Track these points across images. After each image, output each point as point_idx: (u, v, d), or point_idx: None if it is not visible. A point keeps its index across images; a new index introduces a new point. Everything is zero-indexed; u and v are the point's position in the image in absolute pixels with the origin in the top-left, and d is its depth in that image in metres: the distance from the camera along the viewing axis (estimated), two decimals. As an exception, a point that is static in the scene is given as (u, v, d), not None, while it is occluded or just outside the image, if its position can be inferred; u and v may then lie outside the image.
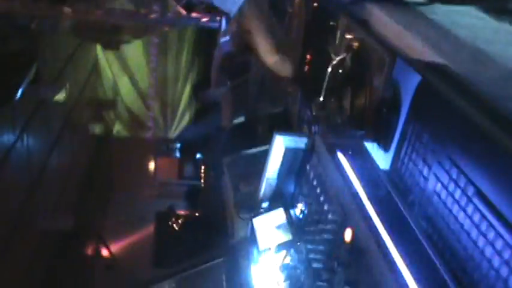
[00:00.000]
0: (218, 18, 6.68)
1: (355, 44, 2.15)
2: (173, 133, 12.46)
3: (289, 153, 1.81)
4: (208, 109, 7.86)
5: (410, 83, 1.57)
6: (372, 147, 1.76)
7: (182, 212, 11.45)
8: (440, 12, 2.46)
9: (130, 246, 11.24)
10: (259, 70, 3.69)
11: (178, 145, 12.18)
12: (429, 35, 1.98)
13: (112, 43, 9.36)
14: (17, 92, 6.58)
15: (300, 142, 1.79)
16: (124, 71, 11.95)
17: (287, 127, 3.50)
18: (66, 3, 6.68)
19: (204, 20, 7.34)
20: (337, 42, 2.39)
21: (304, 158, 1.81)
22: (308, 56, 2.81)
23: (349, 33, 2.20)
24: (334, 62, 2.28)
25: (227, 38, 3.94)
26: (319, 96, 2.44)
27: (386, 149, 1.65)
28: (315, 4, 2.74)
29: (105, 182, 11.70)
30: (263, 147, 3.53)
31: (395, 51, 1.83)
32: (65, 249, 8.70)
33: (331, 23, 2.52)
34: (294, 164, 1.84)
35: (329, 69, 2.34)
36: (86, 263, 9.79)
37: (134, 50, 11.46)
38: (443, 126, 1.34)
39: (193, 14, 7.26)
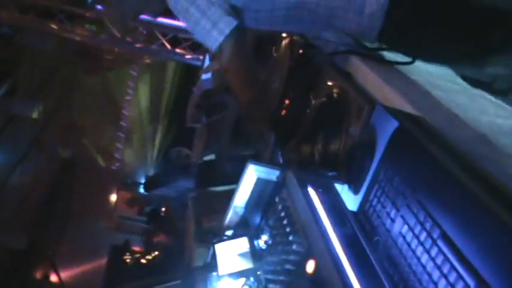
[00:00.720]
0: (201, 57, 6.76)
1: (335, 91, 2.19)
2: (139, 168, 12.42)
3: (260, 183, 1.81)
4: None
5: (385, 129, 1.60)
6: (341, 188, 1.78)
7: (137, 249, 11.30)
8: (420, 73, 2.52)
9: (81, 275, 11.02)
10: (235, 110, 3.71)
11: (142, 180, 12.10)
12: (408, 92, 2.03)
13: (92, 68, 9.42)
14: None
15: (272, 174, 1.80)
16: (100, 99, 11.95)
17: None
18: (54, 19, 6.73)
19: (188, 56, 7.44)
20: (317, 88, 2.43)
21: (275, 189, 1.81)
22: (287, 101, 2.85)
23: (331, 81, 2.24)
24: (313, 106, 2.31)
25: (208, 75, 3.97)
26: (292, 140, 2.47)
27: (356, 191, 1.66)
28: (300, 51, 2.79)
29: (64, 207, 11.54)
30: (229, 187, 3.53)
31: (375, 101, 1.87)
32: (13, 269, 8.49)
33: (314, 70, 2.56)
34: (263, 194, 1.84)
35: (307, 113, 2.37)
36: (33, 286, 9.57)
37: (112, 80, 11.50)
38: (415, 171, 1.37)
39: (178, 50, 7.35)
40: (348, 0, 2.31)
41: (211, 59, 4.23)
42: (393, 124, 1.59)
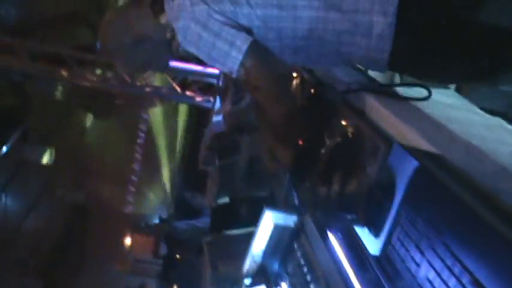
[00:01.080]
0: (211, 99, 6.75)
1: (350, 130, 2.15)
2: (152, 211, 12.38)
3: (278, 230, 1.76)
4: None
5: (404, 169, 1.56)
6: (362, 231, 1.72)
7: (154, 292, 11.20)
8: (436, 106, 2.48)
9: (95, 321, 10.93)
10: (248, 151, 3.68)
11: (156, 222, 12.04)
12: (424, 128, 1.99)
13: (103, 112, 9.45)
14: (1, 149, 6.55)
15: (290, 219, 1.75)
16: (111, 143, 11.97)
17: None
18: (64, 66, 6.76)
19: (198, 99, 7.44)
20: (331, 127, 2.39)
21: (293, 235, 1.75)
22: (300, 141, 2.81)
23: (345, 120, 2.20)
24: (327, 147, 2.28)
25: (219, 117, 3.95)
26: (308, 181, 2.42)
27: (377, 234, 1.61)
28: (312, 90, 2.76)
29: (78, 251, 11.48)
30: (245, 230, 3.47)
31: (391, 139, 1.83)
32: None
33: (327, 109, 2.52)
34: (281, 241, 1.78)
35: (322, 153, 2.33)
36: (48, 332, 9.48)
37: (123, 123, 11.53)
38: (438, 212, 1.32)
39: (188, 92, 7.35)
40: (355, 23, 2.28)
41: (221, 101, 4.20)
42: (412, 164, 1.54)
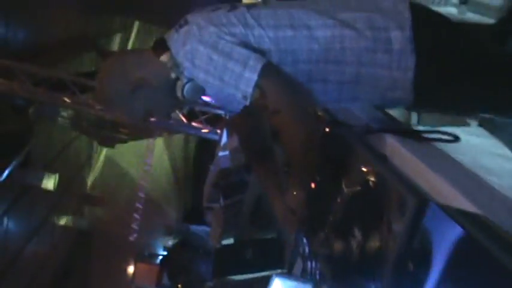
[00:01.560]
0: (219, 130, 6.49)
1: (372, 179, 1.87)
2: (157, 240, 12.11)
3: (289, 301, 1.47)
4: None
5: (443, 235, 1.28)
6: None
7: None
8: (466, 151, 2.20)
9: None
10: (255, 190, 3.40)
11: (160, 252, 11.78)
12: (459, 181, 1.71)
13: (108, 140, 9.23)
14: (2, 173, 6.32)
15: (303, 289, 1.46)
16: (116, 170, 11.76)
17: (279, 257, 3.17)
18: (66, 92, 6.53)
19: (204, 131, 7.16)
20: (349, 173, 2.11)
21: (307, 309, 1.47)
22: (313, 184, 2.53)
23: (365, 166, 1.93)
24: (345, 195, 2.00)
25: (226, 152, 3.68)
26: (322, 231, 2.14)
27: (408, 313, 1.33)
28: (327, 129, 2.49)
29: (81, 278, 11.23)
30: (251, 275, 3.19)
31: (423, 194, 1.55)
32: None
33: (344, 151, 2.25)
34: (293, 314, 1.49)
35: (338, 201, 2.05)
36: None
37: (129, 151, 11.32)
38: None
39: (194, 124, 7.08)
40: (373, 39, 2.13)
41: (228, 136, 3.93)
42: (454, 229, 1.26)
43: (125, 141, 9.12)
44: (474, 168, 1.99)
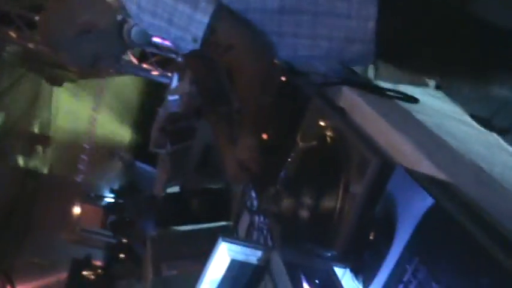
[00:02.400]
0: (170, 74, 6.23)
1: (329, 134, 1.70)
2: (104, 181, 11.83)
3: (236, 265, 1.30)
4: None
5: (410, 202, 1.13)
6: (345, 277, 1.29)
7: (99, 263, 10.72)
8: (426, 112, 2.06)
9: (39, 291, 10.39)
10: (205, 138, 3.22)
11: (107, 194, 11.52)
12: (421, 141, 1.56)
13: (55, 79, 8.85)
14: None
15: (252, 255, 1.29)
16: (64, 110, 11.35)
17: (225, 210, 3.02)
18: (11, 26, 6.16)
19: (155, 73, 6.87)
20: (305, 126, 1.94)
21: (255, 275, 1.30)
22: (264, 135, 2.36)
23: (322, 120, 1.76)
24: (299, 150, 1.83)
25: (176, 97, 3.47)
26: (272, 186, 1.97)
27: (367, 284, 1.18)
28: (283, 78, 2.31)
29: (25, 219, 10.91)
30: (196, 226, 3.03)
31: (388, 156, 1.39)
32: (-34, 282, 7.94)
33: (300, 103, 2.07)
34: (239, 281, 1.33)
35: (291, 156, 1.89)
36: (-14, 301, 8.97)
37: (77, 91, 10.92)
38: (456, 263, 0.91)
39: (145, 65, 6.80)
40: None
41: (179, 79, 3.72)
42: (422, 196, 1.11)
43: (73, 81, 8.78)
44: (433, 128, 1.84)
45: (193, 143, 3.26)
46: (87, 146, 11.79)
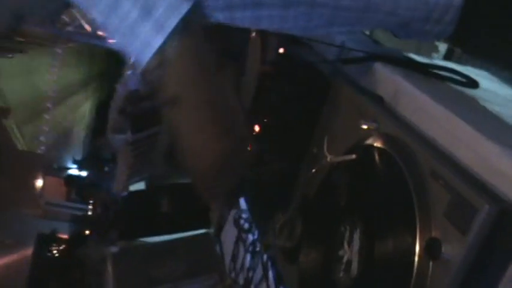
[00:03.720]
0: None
1: (379, 146, 1.04)
2: (66, 152, 11.07)
3: None
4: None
5: None
6: None
7: (66, 237, 10.09)
8: (491, 99, 1.40)
9: (4, 269, 9.71)
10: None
11: (70, 165, 10.80)
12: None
13: (5, 50, 8.02)
14: None
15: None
16: (21, 77, 10.49)
17: (203, 209, 2.36)
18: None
19: (112, 41, 6.06)
20: (330, 128, 1.27)
21: None
22: (256, 127, 1.69)
23: (363, 120, 1.09)
24: (329, 164, 1.16)
25: (136, 72, 2.76)
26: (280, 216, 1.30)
27: None
28: (280, 50, 1.63)
29: (-15, 193, 10.20)
30: (169, 237, 2.37)
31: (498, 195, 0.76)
32: None
33: (312, 89, 1.40)
34: None
35: (312, 174, 1.22)
36: None
37: (34, 58, 10.05)
38: None
39: (100, 32, 5.97)
40: None
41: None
42: None
43: (21, 51, 7.94)
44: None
45: (160, 129, 2.54)
46: (47, 116, 11.03)
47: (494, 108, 1.22)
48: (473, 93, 1.31)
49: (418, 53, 1.67)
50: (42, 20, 1.50)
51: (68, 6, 1.49)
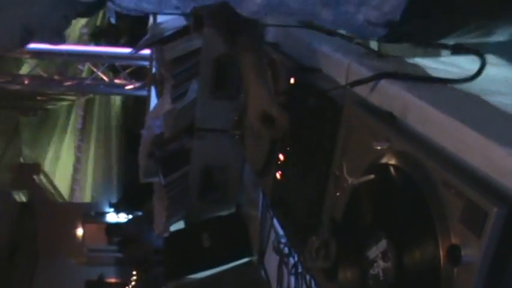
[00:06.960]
0: (145, 85, 5.54)
1: (393, 163, 1.12)
2: (101, 198, 11.26)
3: None
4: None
5: None
6: None
7: (113, 280, 10.24)
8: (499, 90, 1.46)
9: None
10: (201, 160, 2.62)
11: (107, 209, 10.97)
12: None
13: (28, 109, 8.29)
14: None
15: None
16: (49, 134, 10.76)
17: (244, 239, 2.44)
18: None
19: (129, 87, 6.16)
20: (347, 152, 1.35)
21: None
22: (281, 156, 1.78)
23: (377, 140, 1.17)
24: (350, 187, 1.25)
25: (157, 120, 2.86)
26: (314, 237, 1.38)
27: None
28: (291, 80, 1.73)
29: (30, 250, 10.40)
30: (214, 270, 2.45)
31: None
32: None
33: (324, 115, 1.48)
34: None
35: (337, 196, 1.30)
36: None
37: (57, 113, 10.29)
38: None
39: (117, 81, 6.08)
40: None
41: (157, 95, 3.10)
42: None
43: (45, 109, 8.20)
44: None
45: (189, 167, 2.65)
46: (78, 166, 11.26)
47: (502, 100, 1.27)
48: (479, 87, 1.37)
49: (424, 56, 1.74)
50: (50, 35, 1.52)
51: (66, 17, 1.52)
